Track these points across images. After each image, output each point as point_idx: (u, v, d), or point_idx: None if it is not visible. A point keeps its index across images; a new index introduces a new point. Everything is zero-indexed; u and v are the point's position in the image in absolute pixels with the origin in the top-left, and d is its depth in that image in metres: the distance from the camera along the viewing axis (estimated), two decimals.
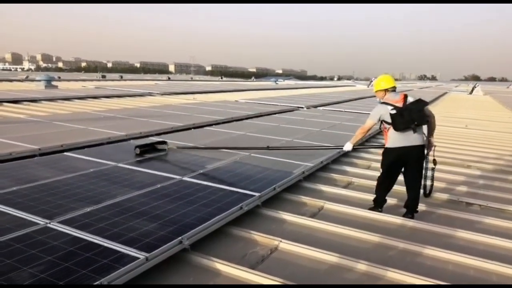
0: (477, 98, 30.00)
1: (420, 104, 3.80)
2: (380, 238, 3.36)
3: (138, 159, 5.06)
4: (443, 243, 3.36)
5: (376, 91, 4.07)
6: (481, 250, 3.32)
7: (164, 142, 5.67)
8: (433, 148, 4.05)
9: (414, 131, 3.75)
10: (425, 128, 3.96)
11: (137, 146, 5.31)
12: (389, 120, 3.79)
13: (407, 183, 4.01)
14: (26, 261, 2.39)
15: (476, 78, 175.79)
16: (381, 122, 3.93)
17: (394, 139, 3.84)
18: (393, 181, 4.05)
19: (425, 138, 3.95)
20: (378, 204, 4.08)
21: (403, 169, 3.98)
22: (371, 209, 4.06)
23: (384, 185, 4.04)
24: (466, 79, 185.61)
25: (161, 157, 5.28)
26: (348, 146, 4.37)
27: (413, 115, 3.69)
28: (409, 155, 3.82)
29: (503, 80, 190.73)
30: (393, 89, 4.00)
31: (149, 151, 5.42)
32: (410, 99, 3.84)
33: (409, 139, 3.77)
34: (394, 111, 3.75)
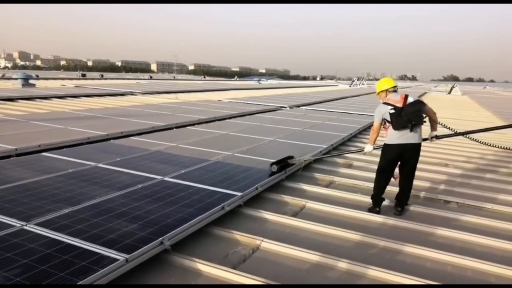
0: (456, 98, 30.67)
1: (418, 105, 4.03)
2: (361, 237, 3.41)
3: (118, 159, 4.99)
4: (422, 241, 3.43)
5: (378, 93, 4.30)
6: (458, 247, 3.40)
7: (292, 157, 5.21)
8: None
9: (411, 130, 3.96)
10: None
11: (273, 163, 4.87)
12: (390, 119, 4.02)
13: (401, 177, 4.19)
14: (0, 265, 2.33)
15: (454, 79, 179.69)
16: (383, 120, 4.15)
17: (392, 136, 4.06)
18: (389, 176, 4.18)
19: (422, 136, 4.15)
20: (377, 203, 4.15)
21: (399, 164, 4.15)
22: (370, 210, 4.12)
23: (380, 181, 4.16)
24: (445, 79, 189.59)
25: (143, 157, 5.22)
26: (368, 148, 4.44)
27: (410, 115, 3.92)
28: (405, 152, 4.03)
29: (480, 80, 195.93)
30: (394, 90, 4.22)
31: (285, 166, 4.97)
32: (410, 99, 4.04)
33: (406, 137, 3.98)
34: (393, 111, 3.98)
